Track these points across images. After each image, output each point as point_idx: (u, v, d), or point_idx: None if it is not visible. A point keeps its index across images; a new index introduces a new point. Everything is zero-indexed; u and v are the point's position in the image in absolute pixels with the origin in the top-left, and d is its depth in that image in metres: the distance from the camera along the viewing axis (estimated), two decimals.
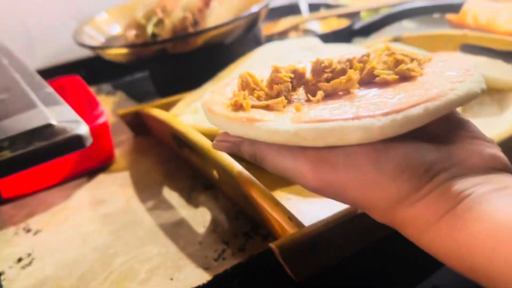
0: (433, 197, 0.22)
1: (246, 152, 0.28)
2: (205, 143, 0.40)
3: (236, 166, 0.36)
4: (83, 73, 0.70)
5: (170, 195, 0.44)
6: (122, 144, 0.55)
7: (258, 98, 0.29)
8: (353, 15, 0.78)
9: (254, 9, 0.57)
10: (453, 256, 0.21)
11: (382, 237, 0.35)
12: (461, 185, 0.22)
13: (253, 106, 0.27)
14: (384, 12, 0.78)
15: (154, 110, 0.50)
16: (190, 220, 0.40)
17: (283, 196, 0.40)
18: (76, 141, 0.32)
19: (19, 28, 0.75)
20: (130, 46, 0.57)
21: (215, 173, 0.41)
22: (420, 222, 0.22)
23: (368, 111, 0.23)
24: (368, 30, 0.75)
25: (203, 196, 0.43)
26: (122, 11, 0.69)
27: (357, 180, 0.23)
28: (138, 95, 0.70)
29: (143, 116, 0.54)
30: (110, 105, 0.68)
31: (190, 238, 0.37)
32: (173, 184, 0.45)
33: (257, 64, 0.54)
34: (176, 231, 0.38)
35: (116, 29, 0.68)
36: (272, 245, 0.29)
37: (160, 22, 0.60)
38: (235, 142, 0.29)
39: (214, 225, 0.38)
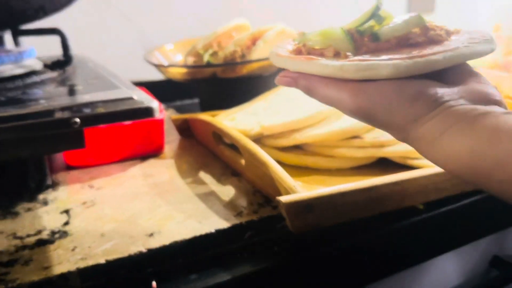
0: (440, 117, 0.29)
1: (301, 85, 0.35)
2: (238, 135, 0.51)
3: (260, 151, 0.47)
4: None
5: (204, 176, 0.55)
6: (170, 143, 0.67)
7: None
8: None
9: None
10: (455, 159, 0.28)
11: (369, 216, 0.45)
12: (464, 108, 0.29)
13: (309, 53, 0.35)
14: None
15: (201, 115, 0.62)
16: (218, 192, 0.51)
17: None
18: (149, 111, 0.44)
19: (96, 49, 0.91)
20: (189, 66, 0.72)
21: (242, 161, 0.53)
22: (428, 137, 0.29)
23: (398, 56, 0.31)
24: None
25: (231, 179, 0.54)
26: (185, 44, 0.84)
27: (384, 104, 0.30)
28: (185, 113, 0.83)
29: (190, 122, 0.67)
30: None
31: (217, 202, 0.48)
32: (208, 170, 0.57)
33: (284, 94, 0.66)
34: (207, 197, 0.49)
35: (178, 58, 0.83)
36: (279, 198, 0.40)
37: (214, 53, 0.74)
38: (293, 77, 0.35)
39: (236, 197, 0.49)
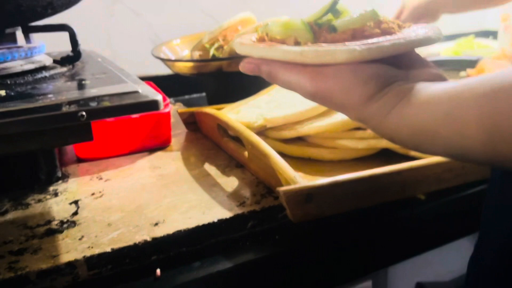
0: (390, 94, 0.32)
1: (264, 70, 0.37)
2: (242, 127, 0.52)
3: (262, 143, 0.48)
4: None
5: (209, 168, 0.56)
6: (177, 136, 0.69)
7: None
8: None
9: None
10: (402, 132, 0.31)
11: (370, 206, 0.46)
12: (411, 85, 0.32)
13: (271, 40, 0.37)
14: None
15: (206, 108, 0.64)
16: (222, 183, 0.52)
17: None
18: (154, 104, 0.45)
19: (104, 44, 0.93)
20: (195, 60, 0.73)
21: (246, 153, 0.54)
22: (380, 113, 0.32)
23: (354, 44, 0.34)
24: None
25: (235, 171, 0.55)
26: (192, 39, 0.86)
27: (340, 86, 0.33)
28: (192, 107, 0.85)
29: (196, 115, 0.68)
30: (172, 111, 0.83)
31: (220, 193, 0.49)
32: (213, 162, 0.58)
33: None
34: (211, 188, 0.51)
35: (185, 52, 0.85)
36: (279, 189, 0.41)
37: (220, 47, 0.75)
38: (256, 63, 0.38)
39: (240, 188, 0.50)
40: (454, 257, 0.63)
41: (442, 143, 0.29)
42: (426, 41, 0.35)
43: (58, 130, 0.45)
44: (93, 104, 0.44)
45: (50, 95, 0.44)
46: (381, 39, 0.34)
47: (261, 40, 0.38)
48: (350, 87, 0.33)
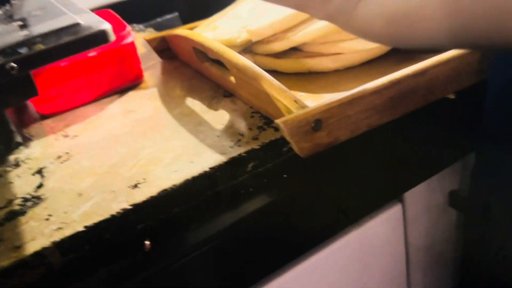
0: None
1: None
2: (221, 47, 0.42)
3: (248, 64, 0.39)
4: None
5: (193, 103, 0.47)
6: (150, 69, 0.58)
7: None
8: None
9: None
10: (375, 25, 0.29)
11: (390, 121, 0.37)
12: None
13: None
14: None
15: (177, 30, 0.53)
16: (210, 121, 0.43)
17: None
18: (101, 36, 0.35)
19: None
20: None
21: (232, 79, 0.44)
22: (345, 7, 0.29)
23: None
24: None
25: (223, 102, 0.46)
26: None
27: None
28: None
29: (169, 40, 0.57)
30: (140, 39, 0.71)
31: (209, 133, 0.41)
32: (196, 95, 0.48)
33: None
34: (197, 128, 0.42)
35: None
36: (278, 121, 0.32)
37: None
38: None
39: (231, 123, 0.42)
40: None
41: (422, 28, 0.27)
42: None
43: None
44: (23, 51, 0.34)
45: None
46: None
47: None
48: None
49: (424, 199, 0.52)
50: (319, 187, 0.37)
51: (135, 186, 0.35)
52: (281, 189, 0.36)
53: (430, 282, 0.58)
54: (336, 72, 0.46)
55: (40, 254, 0.31)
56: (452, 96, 0.41)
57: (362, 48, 0.45)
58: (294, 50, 0.48)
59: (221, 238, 0.34)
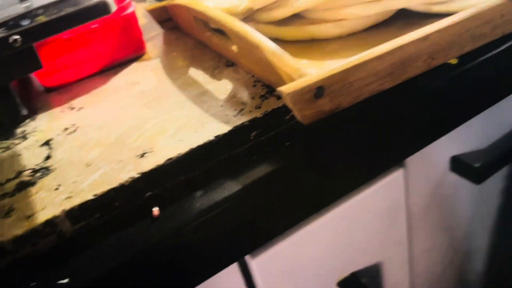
0: None
1: None
2: (223, 16, 0.42)
3: (250, 31, 0.39)
4: None
5: (196, 73, 0.47)
6: (152, 40, 0.58)
7: None
8: None
9: None
10: None
11: (392, 87, 0.37)
12: None
13: None
14: None
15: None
16: (213, 90, 0.43)
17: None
18: (102, 7, 0.35)
19: None
20: None
21: (234, 48, 0.44)
22: None
23: None
24: None
25: (225, 72, 0.46)
26: None
27: None
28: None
29: (170, 10, 0.57)
30: (141, 9, 0.71)
31: (213, 103, 0.41)
32: (199, 65, 0.49)
33: None
34: (201, 99, 0.42)
35: None
36: (280, 89, 0.32)
37: None
38: None
39: (234, 92, 0.42)
40: (489, 121, 0.56)
41: None
42: None
43: None
44: (26, 23, 0.34)
45: None
46: None
47: None
48: None
49: (426, 164, 0.52)
50: (323, 154, 0.38)
51: (142, 155, 0.36)
52: (283, 157, 0.37)
53: (431, 247, 0.59)
54: (339, 39, 0.46)
55: (51, 223, 0.32)
56: (454, 61, 0.41)
57: (366, 13, 0.45)
58: (297, 18, 0.48)
59: (225, 205, 0.34)
